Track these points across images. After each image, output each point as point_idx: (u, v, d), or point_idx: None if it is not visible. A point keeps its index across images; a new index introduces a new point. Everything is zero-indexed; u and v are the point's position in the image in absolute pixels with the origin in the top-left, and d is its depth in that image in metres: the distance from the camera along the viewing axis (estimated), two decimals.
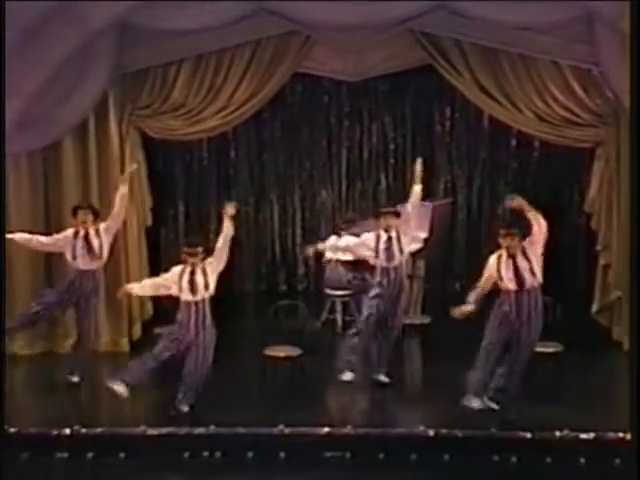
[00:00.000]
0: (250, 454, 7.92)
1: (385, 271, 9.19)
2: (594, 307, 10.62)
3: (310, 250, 9.69)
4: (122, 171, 10.37)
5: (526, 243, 8.35)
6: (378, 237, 9.25)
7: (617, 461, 7.68)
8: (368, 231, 9.59)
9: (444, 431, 7.99)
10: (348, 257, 10.94)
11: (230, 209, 8.43)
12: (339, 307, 11.19)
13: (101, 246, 9.27)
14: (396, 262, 9.21)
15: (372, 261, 9.30)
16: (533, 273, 8.22)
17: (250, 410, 8.46)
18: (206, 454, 7.96)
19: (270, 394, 9.02)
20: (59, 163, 10.26)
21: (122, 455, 7.94)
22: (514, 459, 7.77)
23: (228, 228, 8.41)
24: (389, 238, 9.22)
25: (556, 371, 8.92)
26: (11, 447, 7.59)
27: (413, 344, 10.61)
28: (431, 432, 7.99)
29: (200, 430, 8.09)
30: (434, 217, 11.43)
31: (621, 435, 7.79)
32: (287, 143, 12.92)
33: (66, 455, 7.95)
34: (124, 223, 10.25)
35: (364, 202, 13.03)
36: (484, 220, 12.97)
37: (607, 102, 10.04)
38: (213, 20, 9.69)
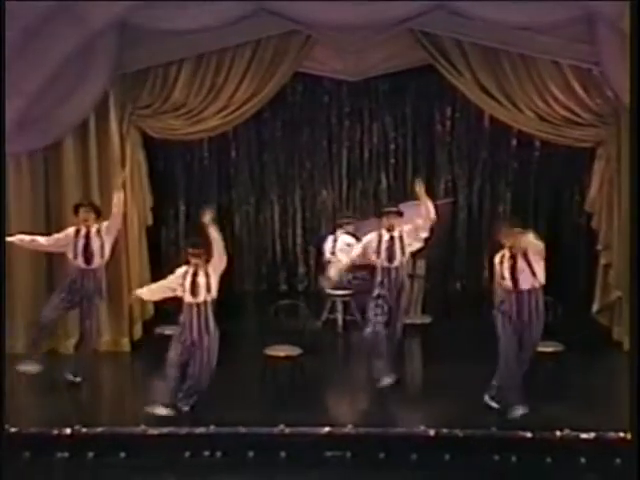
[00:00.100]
0: (251, 454, 7.91)
1: (386, 271, 9.18)
2: (594, 307, 10.62)
3: (326, 283, 9.68)
4: (122, 171, 10.40)
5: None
6: (380, 237, 9.24)
7: (617, 461, 7.68)
8: (369, 231, 9.57)
9: (444, 431, 7.99)
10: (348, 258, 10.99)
11: (205, 216, 8.35)
12: (340, 307, 11.19)
13: (102, 245, 9.26)
14: (397, 262, 9.20)
15: (374, 261, 9.29)
16: (533, 274, 8.20)
17: (251, 410, 8.46)
18: (207, 454, 7.96)
19: (271, 394, 9.02)
20: (60, 163, 10.26)
21: (123, 455, 7.93)
22: (514, 459, 7.77)
23: (213, 234, 8.33)
24: (391, 238, 9.21)
25: (556, 371, 8.92)
26: (12, 447, 7.58)
27: (414, 344, 10.61)
28: (431, 432, 7.99)
29: (200, 430, 8.08)
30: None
31: (621, 435, 7.79)
32: (288, 143, 12.94)
33: (67, 455, 7.94)
34: (125, 223, 10.26)
35: (365, 202, 13.04)
36: (485, 220, 12.99)
37: (607, 102, 10.04)
38: (213, 20, 9.69)
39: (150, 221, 10.99)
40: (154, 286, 8.57)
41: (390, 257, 9.18)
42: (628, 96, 9.14)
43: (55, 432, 8.07)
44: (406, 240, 9.24)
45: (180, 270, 8.37)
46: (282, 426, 8.05)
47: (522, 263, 8.20)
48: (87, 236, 9.20)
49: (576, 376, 9.18)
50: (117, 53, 9.86)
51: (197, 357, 8.28)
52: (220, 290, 8.45)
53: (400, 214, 9.34)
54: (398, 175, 13.00)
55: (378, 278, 9.19)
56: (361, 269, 10.83)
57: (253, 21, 9.82)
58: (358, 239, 10.98)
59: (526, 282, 8.21)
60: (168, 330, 10.05)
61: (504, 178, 12.89)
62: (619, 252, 10.15)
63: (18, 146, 9.79)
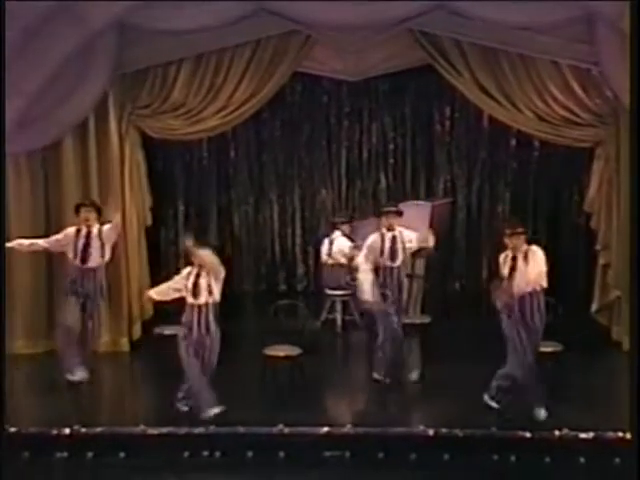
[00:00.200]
0: (250, 454, 7.91)
1: (389, 270, 9.17)
2: (593, 306, 10.62)
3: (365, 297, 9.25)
4: (122, 171, 10.40)
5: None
6: (382, 236, 9.22)
7: (616, 460, 7.67)
8: (368, 231, 9.57)
9: (444, 430, 7.98)
10: (344, 260, 11.01)
11: (187, 242, 8.25)
12: (339, 307, 11.19)
13: (103, 245, 9.26)
14: (399, 261, 9.19)
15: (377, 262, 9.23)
16: (537, 276, 8.14)
17: (250, 410, 8.45)
18: (206, 454, 7.95)
19: (270, 394, 9.02)
20: (59, 163, 10.26)
21: (122, 455, 7.92)
22: (513, 458, 7.76)
23: (202, 257, 8.15)
24: (393, 237, 9.20)
25: (555, 370, 8.91)
26: (11, 447, 7.58)
27: (413, 344, 10.60)
28: (431, 431, 7.99)
29: (200, 430, 8.08)
30: (434, 216, 11.43)
31: (620, 434, 7.79)
32: (287, 143, 12.95)
33: (66, 455, 7.94)
34: (124, 223, 10.28)
35: (364, 201, 13.05)
36: (484, 220, 13.01)
37: (607, 102, 10.04)
38: (213, 20, 9.69)
39: (149, 221, 10.98)
40: (163, 286, 8.50)
41: (393, 256, 9.17)
42: (627, 96, 9.15)
43: (54, 432, 8.07)
44: (406, 239, 9.25)
45: (185, 270, 8.36)
46: (281, 426, 8.05)
47: (522, 264, 8.20)
48: (88, 236, 9.19)
49: (575, 376, 9.18)
50: (116, 53, 9.87)
51: (198, 356, 8.27)
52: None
53: (400, 213, 9.33)
54: (397, 175, 13.01)
55: (380, 278, 9.16)
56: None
57: (252, 21, 9.82)
58: (353, 240, 11.02)
59: (525, 285, 8.14)
60: (167, 330, 10.05)
61: (503, 178, 12.91)
62: (618, 252, 10.15)
63: (17, 146, 9.79)
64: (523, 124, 10.42)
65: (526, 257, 8.19)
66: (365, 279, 9.09)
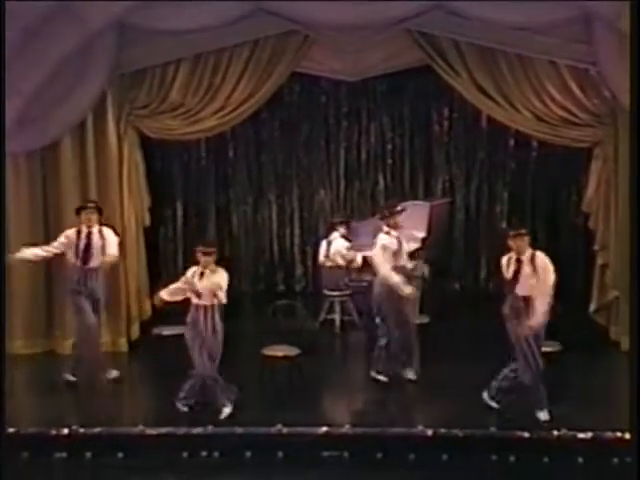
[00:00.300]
0: (248, 454, 7.92)
1: (401, 269, 9.17)
2: (592, 307, 10.63)
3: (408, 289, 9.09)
4: (120, 171, 10.40)
5: None
6: (398, 239, 9.15)
7: (615, 460, 7.69)
8: (368, 231, 9.56)
9: (442, 431, 7.99)
10: (341, 262, 11.01)
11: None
12: (337, 307, 11.19)
13: (104, 245, 9.26)
14: (403, 261, 9.19)
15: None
16: (538, 281, 8.11)
17: (248, 410, 8.46)
18: (204, 454, 7.96)
19: (268, 394, 9.02)
20: (57, 163, 10.25)
21: (120, 455, 7.93)
22: (512, 458, 7.77)
23: (213, 281, 8.23)
24: (398, 237, 9.20)
25: (554, 370, 8.91)
26: (10, 447, 7.57)
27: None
28: (429, 432, 7.99)
29: (198, 430, 8.09)
30: (432, 217, 11.45)
31: (619, 434, 7.80)
32: (285, 143, 12.95)
33: (65, 455, 7.95)
34: (122, 223, 10.29)
35: (362, 202, 13.05)
36: (482, 220, 13.01)
37: (605, 102, 10.04)
38: (211, 20, 9.69)
39: (148, 221, 10.97)
40: (172, 287, 8.46)
41: (397, 256, 9.17)
42: (625, 96, 9.17)
43: (53, 432, 8.07)
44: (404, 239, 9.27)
45: (189, 272, 8.34)
46: (280, 426, 8.06)
47: (528, 268, 8.14)
48: (88, 236, 9.19)
49: (573, 376, 9.19)
50: (115, 53, 9.87)
51: (202, 356, 8.25)
52: None
53: (401, 212, 9.34)
54: (396, 175, 13.01)
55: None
56: (358, 270, 10.86)
57: (251, 21, 9.82)
58: (351, 241, 11.02)
59: (530, 288, 8.11)
60: (166, 330, 10.10)
61: (502, 178, 12.91)
62: (616, 252, 10.16)
63: (16, 146, 9.79)
64: (521, 124, 10.42)
65: (532, 262, 8.13)
66: (392, 274, 9.00)
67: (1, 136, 9.32)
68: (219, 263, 8.34)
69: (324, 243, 11.25)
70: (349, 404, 9.09)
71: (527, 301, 8.12)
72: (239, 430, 8.07)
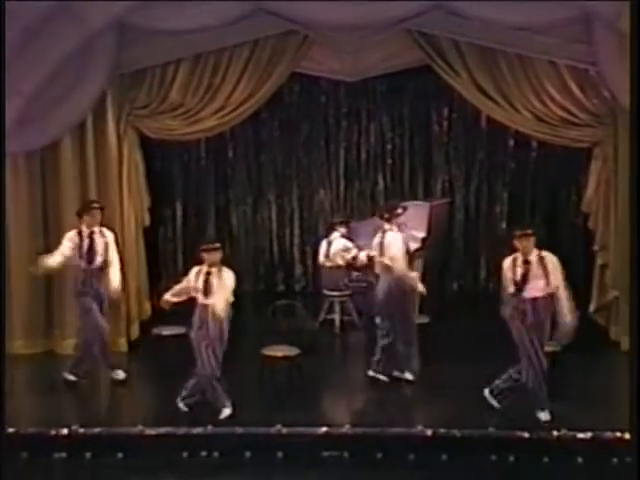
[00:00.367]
0: (248, 454, 7.92)
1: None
2: (591, 307, 10.62)
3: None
4: (120, 171, 10.39)
5: None
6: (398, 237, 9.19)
7: (614, 460, 7.69)
8: (368, 231, 9.55)
9: (442, 431, 7.99)
10: (342, 262, 11.01)
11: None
12: (337, 307, 11.19)
13: (106, 244, 9.26)
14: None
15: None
16: (548, 282, 8.10)
17: (248, 410, 8.46)
18: (204, 454, 7.96)
19: (268, 394, 9.02)
20: (57, 163, 10.25)
21: (120, 455, 7.94)
22: (512, 459, 7.78)
23: (224, 286, 8.21)
24: (403, 237, 9.20)
25: (553, 370, 8.91)
26: (10, 447, 7.57)
27: None
28: (429, 432, 8.00)
29: (198, 430, 8.09)
30: (432, 217, 11.45)
31: (618, 434, 7.80)
32: (285, 143, 12.94)
33: (64, 455, 7.95)
34: (122, 223, 10.28)
35: (362, 202, 13.05)
36: (482, 220, 13.01)
37: (604, 102, 10.04)
38: (211, 20, 9.69)
39: (147, 221, 10.97)
40: (177, 288, 8.43)
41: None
42: (625, 96, 9.17)
43: (53, 432, 8.07)
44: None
45: (192, 271, 8.31)
46: (279, 426, 8.06)
47: (538, 270, 8.09)
48: (91, 237, 9.18)
49: (573, 376, 9.19)
50: (115, 53, 9.86)
51: (207, 355, 8.26)
52: None
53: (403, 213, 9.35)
54: (395, 175, 13.01)
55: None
56: (358, 271, 10.86)
57: (251, 21, 9.82)
58: (352, 241, 11.01)
59: (539, 290, 8.11)
60: (165, 330, 10.08)
61: (501, 178, 12.91)
62: (616, 252, 10.16)
63: (16, 146, 9.78)
64: (521, 124, 10.42)
65: (542, 262, 8.09)
66: (410, 272, 9.11)
67: (1, 136, 9.32)
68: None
69: (324, 243, 11.25)
70: (349, 404, 9.09)
71: (534, 302, 8.10)
72: (239, 430, 8.07)
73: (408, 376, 9.19)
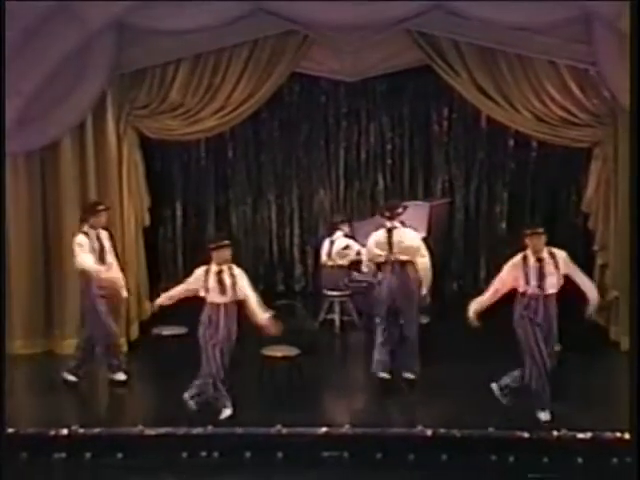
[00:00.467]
0: (248, 454, 7.92)
1: None
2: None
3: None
4: (120, 171, 10.39)
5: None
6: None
7: (614, 460, 7.69)
8: (370, 231, 9.53)
9: (442, 431, 7.99)
10: (344, 262, 11.00)
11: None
12: (337, 307, 11.19)
13: (111, 245, 9.32)
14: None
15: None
16: (559, 277, 8.11)
17: (248, 410, 8.46)
18: (204, 454, 7.96)
19: (268, 394, 9.02)
20: (57, 163, 10.24)
21: (120, 455, 7.93)
22: (512, 459, 7.78)
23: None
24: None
25: (553, 370, 8.91)
26: (9, 447, 7.57)
27: None
28: (429, 432, 7.99)
29: (198, 430, 8.09)
30: (432, 217, 11.45)
31: (618, 435, 7.80)
32: (285, 143, 12.94)
33: (64, 455, 7.94)
34: (122, 223, 10.28)
35: (362, 202, 13.05)
36: (482, 220, 13.01)
37: (604, 102, 10.04)
38: (211, 20, 9.69)
39: (147, 221, 10.97)
40: (174, 291, 8.40)
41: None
42: (625, 96, 9.17)
43: (52, 433, 8.07)
44: None
45: (200, 270, 8.26)
46: (279, 426, 8.06)
47: (550, 267, 8.08)
48: (98, 238, 9.18)
49: (573, 376, 9.18)
50: (115, 53, 9.86)
51: (216, 354, 8.25)
52: None
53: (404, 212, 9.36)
54: (395, 175, 13.00)
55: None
56: (358, 271, 10.85)
57: (250, 21, 9.82)
58: (356, 240, 11.01)
59: (553, 286, 8.12)
60: (165, 330, 10.07)
61: (501, 178, 12.90)
62: (616, 252, 10.16)
63: (16, 146, 9.78)
64: (521, 124, 10.42)
65: (553, 259, 8.10)
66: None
67: (1, 136, 9.32)
68: None
69: (327, 242, 11.23)
70: (349, 404, 9.08)
71: (547, 299, 8.10)
72: (239, 430, 8.07)
73: (410, 375, 9.17)
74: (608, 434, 7.87)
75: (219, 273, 8.18)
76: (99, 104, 10.13)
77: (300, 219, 13.18)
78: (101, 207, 9.30)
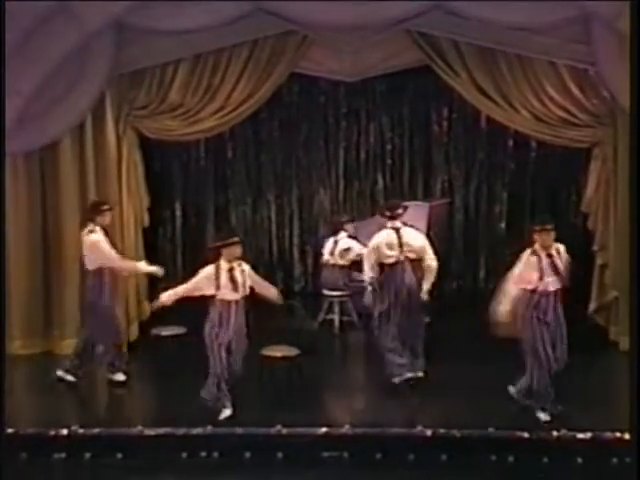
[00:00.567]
0: (247, 454, 7.91)
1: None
2: (591, 307, 10.62)
3: None
4: (119, 172, 10.39)
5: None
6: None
7: (614, 461, 7.69)
8: (371, 231, 9.53)
9: (442, 431, 7.99)
10: (344, 262, 10.99)
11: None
12: (336, 307, 11.19)
13: (114, 244, 9.33)
14: None
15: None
16: (565, 275, 8.11)
17: (247, 410, 8.45)
18: (203, 454, 7.96)
19: (267, 394, 9.02)
20: (56, 163, 10.24)
21: (120, 455, 7.93)
22: (511, 459, 7.78)
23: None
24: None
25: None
26: (9, 448, 7.57)
27: None
28: (429, 432, 7.99)
29: (197, 430, 8.08)
30: (431, 217, 11.44)
31: (618, 435, 7.80)
32: (284, 143, 12.94)
33: (64, 455, 7.94)
34: (121, 224, 10.28)
35: (361, 202, 13.05)
36: (481, 220, 13.01)
37: (604, 102, 10.04)
38: (210, 20, 9.69)
39: (147, 222, 10.96)
40: (180, 289, 8.31)
41: None
42: (624, 96, 9.17)
43: (52, 433, 8.07)
44: None
45: (209, 268, 8.20)
46: (279, 426, 8.06)
47: (558, 261, 8.07)
48: (107, 236, 9.19)
49: (572, 376, 9.17)
50: (114, 53, 9.85)
51: (217, 355, 8.23)
52: None
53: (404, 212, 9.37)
54: (395, 175, 13.01)
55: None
56: (358, 271, 10.84)
57: (250, 21, 9.82)
58: (359, 241, 10.99)
59: (561, 283, 8.10)
60: (165, 331, 10.06)
61: (501, 178, 12.91)
62: (615, 252, 10.16)
63: (15, 146, 9.78)
64: (520, 125, 10.42)
65: (559, 255, 8.09)
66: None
67: (1, 136, 9.32)
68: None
69: (331, 241, 11.21)
70: (348, 404, 9.08)
71: (556, 295, 8.09)
72: (238, 430, 8.07)
73: (419, 374, 9.14)
74: (608, 434, 7.86)
75: (230, 270, 8.16)
76: (98, 104, 10.13)
77: (300, 219, 13.18)
78: (106, 207, 9.30)
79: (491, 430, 7.98)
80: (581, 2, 9.44)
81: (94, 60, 9.77)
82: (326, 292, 11.22)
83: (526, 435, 7.91)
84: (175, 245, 13.13)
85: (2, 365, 8.36)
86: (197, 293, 8.26)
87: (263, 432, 8.06)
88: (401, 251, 9.02)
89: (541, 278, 8.06)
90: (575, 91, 10.04)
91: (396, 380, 9.02)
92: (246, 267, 8.29)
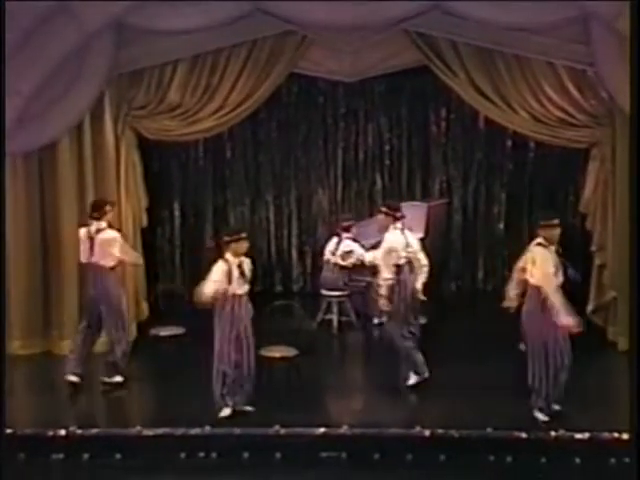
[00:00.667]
0: (246, 454, 7.92)
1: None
2: (589, 307, 10.63)
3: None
4: (118, 172, 10.39)
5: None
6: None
7: (612, 461, 7.70)
8: (371, 231, 9.53)
9: (440, 431, 8.00)
10: (344, 263, 10.99)
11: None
12: (335, 308, 11.19)
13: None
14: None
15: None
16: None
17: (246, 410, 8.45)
18: (202, 455, 7.96)
19: (266, 394, 9.01)
20: (55, 164, 10.23)
21: (118, 456, 7.93)
22: (510, 459, 7.78)
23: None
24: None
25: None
26: (7, 448, 7.56)
27: None
28: (427, 432, 8.00)
29: (196, 430, 8.09)
30: (429, 217, 11.45)
31: (616, 435, 7.81)
32: (283, 143, 12.94)
33: (62, 456, 7.94)
34: (119, 224, 10.27)
35: (360, 202, 13.05)
36: (480, 221, 13.02)
37: (602, 103, 10.04)
38: (209, 20, 9.69)
39: (145, 222, 10.96)
40: (210, 290, 8.13)
41: None
42: (623, 97, 9.18)
43: (50, 433, 8.07)
44: None
45: (220, 264, 8.12)
46: (277, 427, 8.06)
47: (560, 257, 8.04)
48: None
49: (571, 376, 9.18)
50: (113, 53, 9.85)
51: (243, 347, 8.23)
52: None
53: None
54: (393, 176, 13.01)
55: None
56: (357, 271, 10.86)
57: (249, 21, 9.82)
58: (359, 243, 10.98)
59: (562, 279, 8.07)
60: (163, 331, 10.09)
61: (499, 179, 12.91)
62: (614, 253, 10.17)
63: (14, 146, 9.77)
64: (519, 125, 10.43)
65: (558, 253, 8.05)
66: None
67: (1, 136, 9.31)
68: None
69: (334, 240, 11.18)
70: (347, 405, 9.08)
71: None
72: (237, 431, 8.07)
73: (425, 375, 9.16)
74: (606, 434, 7.87)
75: (239, 265, 8.17)
76: (97, 104, 10.12)
77: (298, 219, 13.18)
78: (110, 206, 9.32)
79: (489, 430, 7.99)
80: (581, 2, 9.44)
81: (93, 60, 9.77)
82: (325, 292, 11.22)
83: (524, 435, 7.91)
84: (173, 245, 13.12)
85: (2, 365, 8.35)
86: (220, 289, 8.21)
87: (261, 432, 8.07)
88: (407, 251, 9.04)
89: (555, 274, 7.98)
90: (573, 91, 10.04)
91: (415, 380, 8.99)
92: (249, 262, 8.29)
